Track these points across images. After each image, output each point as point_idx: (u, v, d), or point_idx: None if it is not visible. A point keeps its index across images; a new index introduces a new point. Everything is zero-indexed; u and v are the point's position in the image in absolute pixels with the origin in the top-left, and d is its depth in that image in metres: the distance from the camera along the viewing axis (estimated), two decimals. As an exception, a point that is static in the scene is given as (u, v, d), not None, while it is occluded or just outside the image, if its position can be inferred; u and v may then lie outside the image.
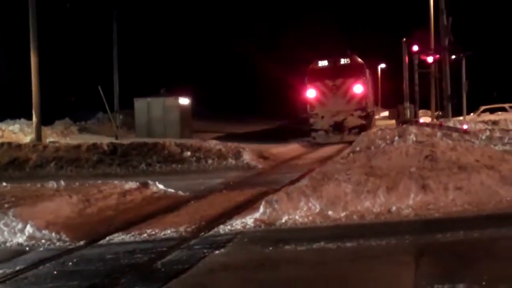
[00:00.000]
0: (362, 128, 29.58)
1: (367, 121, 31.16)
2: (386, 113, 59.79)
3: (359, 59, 31.81)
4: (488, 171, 11.28)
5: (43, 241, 9.93)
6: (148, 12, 54.02)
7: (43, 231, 10.12)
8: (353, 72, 30.66)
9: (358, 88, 30.62)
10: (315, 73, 30.86)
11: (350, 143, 26.10)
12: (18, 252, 9.48)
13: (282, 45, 68.15)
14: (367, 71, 32.62)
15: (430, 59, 35.17)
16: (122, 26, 38.09)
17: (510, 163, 11.90)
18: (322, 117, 30.63)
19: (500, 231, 8.83)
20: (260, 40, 68.75)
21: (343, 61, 31.09)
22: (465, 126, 23.43)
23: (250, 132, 39.55)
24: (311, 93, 30.93)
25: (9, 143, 24.09)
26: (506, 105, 39.04)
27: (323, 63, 31.14)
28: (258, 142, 28.72)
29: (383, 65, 74.94)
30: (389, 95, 62.76)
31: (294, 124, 42.71)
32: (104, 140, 25.84)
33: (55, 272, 8.18)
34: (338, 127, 30.53)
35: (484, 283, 6.41)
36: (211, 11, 65.24)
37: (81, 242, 9.85)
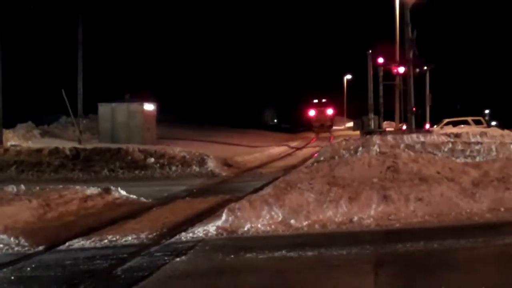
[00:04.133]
0: (330, 127, 61.94)
1: (332, 124, 63.47)
2: (351, 124, 60.85)
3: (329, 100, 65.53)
4: (449, 183, 11.42)
5: (1, 245, 9.75)
6: (114, 17, 53.65)
7: (1, 236, 9.94)
8: (327, 105, 64.64)
9: (329, 111, 64.28)
10: (313, 104, 64.52)
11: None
12: (-25, 256, 9.30)
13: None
14: (332, 105, 65.57)
15: (395, 71, 35.54)
16: (87, 30, 37.74)
17: (471, 175, 12.06)
18: (316, 122, 62.45)
19: (459, 242, 8.95)
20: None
21: (323, 100, 65.00)
22: (427, 126, 25.01)
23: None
24: (312, 112, 64.09)
25: (-31, 146, 23.72)
26: (469, 118, 39.63)
27: (315, 101, 64.86)
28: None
29: (349, 76, 75.56)
30: (355, 106, 63.41)
31: (297, 128, 64.51)
32: (67, 145, 25.53)
33: (12, 278, 8.04)
34: (322, 126, 61.14)
35: (442, 293, 6.48)
36: (181, 14, 65.18)
37: (40, 247, 9.70)
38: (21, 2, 36.22)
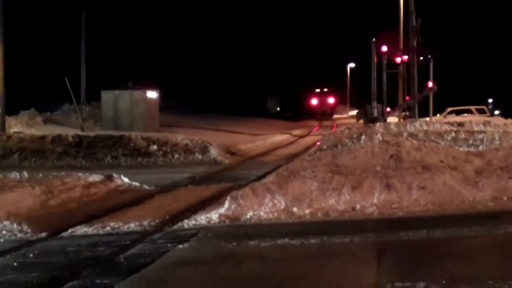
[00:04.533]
0: (331, 115, 65.18)
1: (333, 112, 67.63)
2: (354, 112, 61.12)
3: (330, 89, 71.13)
4: (452, 171, 11.41)
5: (4, 232, 9.77)
6: (118, 4, 53.59)
7: (4, 222, 9.96)
8: (328, 94, 71.24)
9: (330, 100, 71.45)
10: (315, 93, 70.96)
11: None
12: (-22, 243, 9.33)
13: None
14: (334, 94, 71.41)
15: (398, 60, 35.46)
16: (90, 17, 37.69)
17: (474, 164, 12.05)
18: (318, 110, 67.40)
19: (462, 230, 8.94)
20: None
21: (325, 90, 71.28)
22: (430, 84, 26.12)
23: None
24: (314, 101, 71.14)
25: (-28, 133, 23.74)
26: (472, 107, 39.54)
27: (317, 90, 71.29)
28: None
29: (352, 65, 75.32)
30: (358, 94, 63.54)
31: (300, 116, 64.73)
32: (70, 132, 25.56)
33: (15, 264, 8.06)
34: (324, 113, 65.43)
35: (444, 281, 6.48)
36: (185, 1, 65.06)
37: (43, 234, 9.72)
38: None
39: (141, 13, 59.07)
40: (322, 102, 68.07)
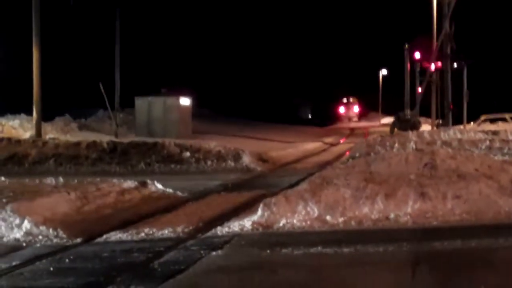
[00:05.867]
0: (357, 121, 73.53)
1: (358, 118, 75.45)
2: (386, 120, 61.27)
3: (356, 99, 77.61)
4: (487, 180, 11.27)
5: (40, 237, 9.91)
6: (151, 11, 54.01)
7: (41, 227, 10.10)
8: (353, 103, 77.33)
9: (355, 108, 77.29)
10: (342, 103, 77.23)
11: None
12: (15, 247, 9.46)
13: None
14: (358, 103, 77.62)
15: (432, 67, 35.17)
16: (125, 24, 38.08)
17: (509, 173, 11.88)
18: (345, 117, 75.01)
19: (497, 241, 8.83)
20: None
21: (351, 99, 77.48)
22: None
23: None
24: (342, 109, 76.96)
25: (9, 139, 24.08)
26: (507, 115, 39.02)
27: (345, 100, 77.45)
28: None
29: (384, 72, 74.75)
30: (390, 101, 63.27)
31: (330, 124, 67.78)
32: (104, 138, 25.81)
33: (51, 269, 8.16)
34: (349, 120, 73.36)
35: (480, 292, 6.42)
36: (219, 9, 65.35)
37: (78, 239, 9.83)
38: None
39: (175, 21, 59.49)
40: (348, 109, 78.29)
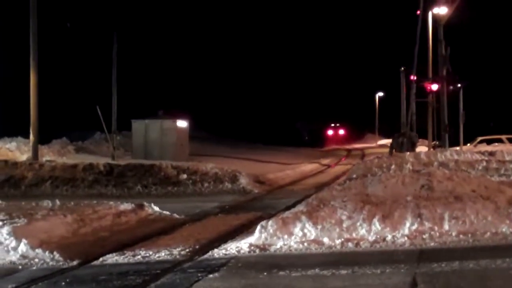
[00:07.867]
0: (342, 143, 74.77)
1: (344, 141, 77.44)
2: (383, 141, 61.64)
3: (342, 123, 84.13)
4: (484, 201, 11.27)
5: (36, 260, 9.87)
6: (148, 34, 54.25)
7: (37, 250, 10.07)
8: (340, 127, 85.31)
9: (341, 132, 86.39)
10: (331, 127, 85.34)
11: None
12: (11, 270, 9.42)
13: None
14: (344, 127, 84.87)
15: (428, 89, 35.29)
16: (122, 47, 38.19)
17: (506, 194, 11.90)
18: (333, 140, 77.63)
19: (495, 262, 8.81)
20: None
21: (337, 124, 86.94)
22: None
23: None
24: (330, 132, 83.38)
25: (5, 161, 24.04)
26: (503, 136, 39.08)
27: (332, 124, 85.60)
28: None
29: (380, 94, 75.06)
30: (386, 123, 63.52)
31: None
32: (101, 161, 25.77)
33: (47, 292, 8.13)
34: (337, 142, 77.73)
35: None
36: (216, 33, 65.66)
37: (75, 262, 9.80)
38: (58, 20, 36.80)
39: (172, 43, 59.73)
40: (335, 133, 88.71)
